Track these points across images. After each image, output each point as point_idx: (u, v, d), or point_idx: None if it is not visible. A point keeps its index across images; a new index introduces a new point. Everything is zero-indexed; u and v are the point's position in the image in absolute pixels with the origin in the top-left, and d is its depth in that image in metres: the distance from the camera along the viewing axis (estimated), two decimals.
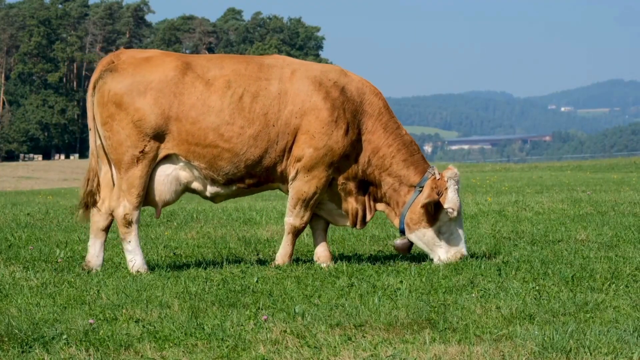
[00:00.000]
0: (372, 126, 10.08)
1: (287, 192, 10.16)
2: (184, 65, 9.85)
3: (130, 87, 9.74)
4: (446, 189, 9.95)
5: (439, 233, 10.04)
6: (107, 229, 10.11)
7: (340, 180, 10.08)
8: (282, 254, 10.20)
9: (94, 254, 10.07)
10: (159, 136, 9.78)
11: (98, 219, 10.05)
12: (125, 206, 9.85)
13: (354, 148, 10.01)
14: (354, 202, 10.19)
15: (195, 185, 10.01)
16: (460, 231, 10.13)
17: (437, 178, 10.01)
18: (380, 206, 10.29)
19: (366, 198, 10.25)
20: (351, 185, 10.13)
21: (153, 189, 9.92)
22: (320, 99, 9.87)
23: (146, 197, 9.93)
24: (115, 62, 9.91)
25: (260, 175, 9.98)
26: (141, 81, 9.75)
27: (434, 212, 9.97)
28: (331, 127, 9.85)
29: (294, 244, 10.24)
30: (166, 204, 10.06)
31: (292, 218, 10.07)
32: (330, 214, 10.35)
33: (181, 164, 9.91)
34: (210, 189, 10.02)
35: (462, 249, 10.08)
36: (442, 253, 10.04)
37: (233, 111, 9.78)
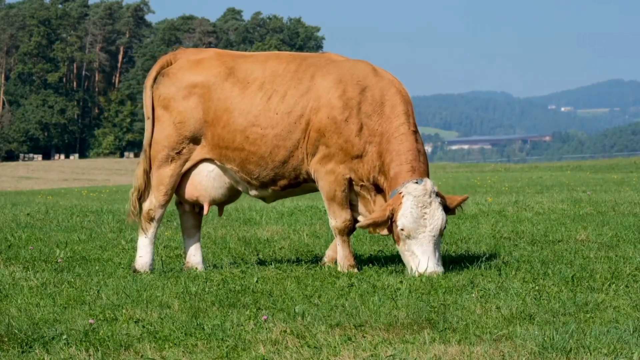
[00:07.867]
0: (385, 129, 9.61)
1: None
2: (227, 70, 9.97)
3: (178, 92, 10.01)
4: (400, 204, 9.28)
5: (404, 251, 9.33)
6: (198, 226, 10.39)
7: (357, 181, 9.73)
8: (339, 259, 9.80)
9: (191, 253, 10.30)
10: (195, 139, 9.97)
11: (186, 217, 10.38)
12: (151, 201, 10.05)
13: (367, 149, 9.62)
14: (371, 205, 9.81)
15: (240, 187, 10.09)
16: (423, 251, 9.18)
17: (398, 194, 9.32)
18: None
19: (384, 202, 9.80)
20: (367, 188, 9.78)
21: (198, 184, 10.06)
22: (335, 97, 9.64)
23: (193, 192, 10.10)
24: (172, 62, 10.23)
25: (289, 177, 9.89)
26: (187, 85, 9.99)
27: (391, 229, 9.36)
28: (340, 126, 9.59)
29: (347, 244, 9.75)
30: (215, 201, 10.15)
31: (330, 219, 9.82)
32: (360, 214, 9.92)
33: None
34: (252, 192, 10.06)
35: (422, 270, 9.12)
36: (408, 271, 9.34)
37: (259, 113, 9.76)
